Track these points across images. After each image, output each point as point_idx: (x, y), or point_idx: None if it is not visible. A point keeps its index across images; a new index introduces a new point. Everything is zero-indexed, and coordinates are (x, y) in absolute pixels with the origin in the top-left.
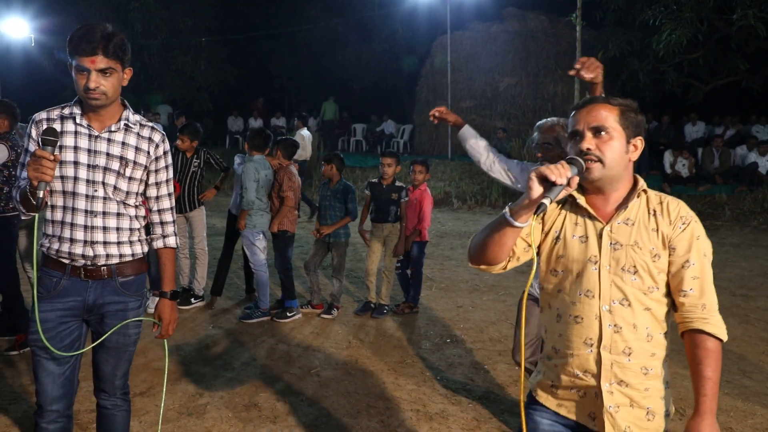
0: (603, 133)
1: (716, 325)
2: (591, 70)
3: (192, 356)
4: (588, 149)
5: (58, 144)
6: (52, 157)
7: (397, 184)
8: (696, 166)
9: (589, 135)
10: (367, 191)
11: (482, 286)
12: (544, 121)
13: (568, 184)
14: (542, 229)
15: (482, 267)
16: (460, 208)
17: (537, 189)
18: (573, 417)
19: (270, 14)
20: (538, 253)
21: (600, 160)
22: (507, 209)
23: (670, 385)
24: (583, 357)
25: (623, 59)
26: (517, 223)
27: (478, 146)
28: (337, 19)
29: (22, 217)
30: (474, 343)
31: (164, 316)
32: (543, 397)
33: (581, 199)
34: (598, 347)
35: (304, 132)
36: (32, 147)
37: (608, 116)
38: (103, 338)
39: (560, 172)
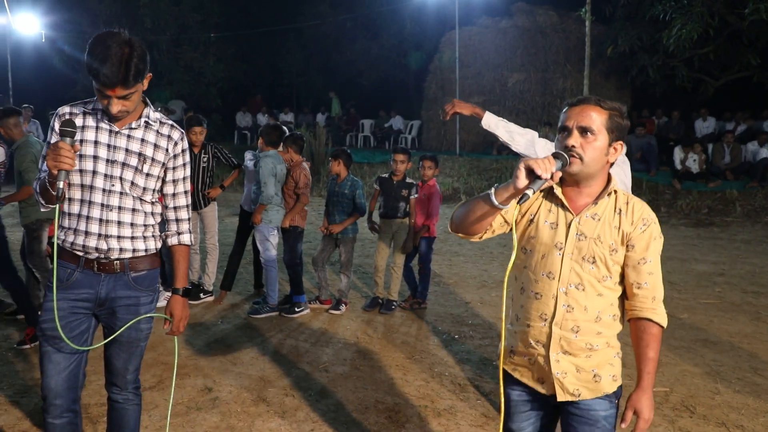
0: (589, 133)
1: (662, 315)
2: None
3: (201, 351)
4: (573, 146)
5: (78, 137)
6: (69, 147)
7: (408, 180)
8: (706, 162)
9: (576, 133)
10: (377, 186)
11: (490, 282)
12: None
13: (552, 177)
14: (520, 210)
15: (460, 235)
16: None
17: (523, 180)
18: (525, 381)
19: (278, 10)
20: (512, 230)
21: (581, 158)
22: (493, 190)
23: (619, 356)
24: (537, 329)
25: (633, 54)
26: (500, 205)
27: (511, 139)
28: (346, 14)
29: (42, 210)
30: (483, 339)
31: (176, 312)
32: (504, 363)
33: (558, 190)
34: (551, 323)
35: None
36: (55, 140)
37: (597, 118)
38: (116, 335)
39: (546, 167)
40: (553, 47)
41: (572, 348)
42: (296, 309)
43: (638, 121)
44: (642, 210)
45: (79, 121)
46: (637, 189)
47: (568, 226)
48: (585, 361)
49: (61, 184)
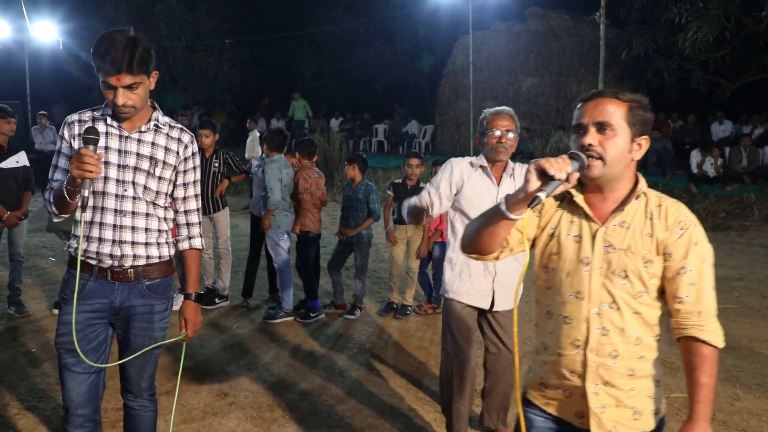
0: (607, 129)
1: (712, 332)
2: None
3: (216, 356)
4: (590, 145)
5: (102, 143)
6: (95, 155)
7: (421, 185)
8: (723, 166)
9: (593, 130)
10: (390, 192)
11: None
12: None
13: (567, 179)
14: (538, 223)
15: (474, 255)
16: None
17: (534, 182)
18: (560, 415)
19: (292, 15)
20: (533, 247)
21: (601, 158)
22: (503, 200)
23: (661, 383)
24: (569, 357)
25: (648, 58)
26: (512, 216)
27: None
28: (359, 19)
29: (54, 220)
30: None
31: (188, 318)
32: (533, 396)
33: (579, 198)
34: (585, 349)
35: (255, 133)
36: (65, 148)
37: (615, 112)
38: (127, 359)
39: (560, 167)
40: (567, 51)
41: (612, 377)
42: (311, 314)
43: (654, 124)
44: (678, 212)
45: (88, 125)
46: None
47: (594, 238)
48: (627, 395)
49: (86, 192)
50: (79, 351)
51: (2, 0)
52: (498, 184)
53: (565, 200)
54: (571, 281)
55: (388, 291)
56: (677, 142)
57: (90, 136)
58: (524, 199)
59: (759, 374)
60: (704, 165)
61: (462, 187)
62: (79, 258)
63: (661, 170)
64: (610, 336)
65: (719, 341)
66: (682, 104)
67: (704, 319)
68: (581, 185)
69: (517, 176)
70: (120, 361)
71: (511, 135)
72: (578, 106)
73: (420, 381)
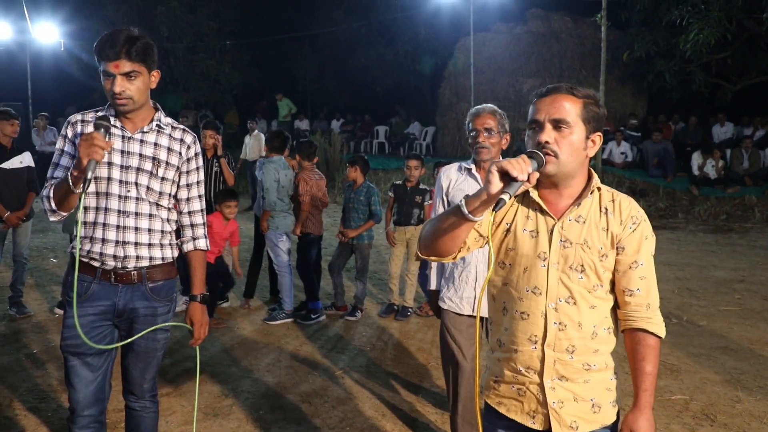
0: (563, 126)
1: (658, 324)
2: None
3: (217, 357)
4: (546, 142)
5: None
6: (102, 137)
7: (421, 186)
8: (725, 168)
9: (549, 127)
10: (391, 193)
11: None
12: None
13: (528, 179)
14: (494, 220)
15: (432, 258)
16: None
17: (497, 184)
18: (511, 415)
19: (293, 17)
20: (488, 243)
21: (556, 155)
22: (462, 202)
23: (618, 375)
24: (526, 353)
25: (649, 60)
26: (472, 217)
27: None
28: (360, 21)
29: (51, 219)
30: None
31: (195, 319)
32: (486, 395)
33: (534, 193)
34: (542, 344)
35: (260, 135)
36: (68, 147)
37: (571, 109)
38: (133, 338)
39: (521, 167)
40: (568, 53)
41: (568, 371)
42: (312, 315)
43: (655, 126)
44: (630, 207)
45: (89, 129)
46: (654, 195)
47: (551, 233)
48: (583, 387)
49: (89, 175)
50: (82, 335)
51: (4, 1)
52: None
53: (519, 196)
54: (528, 276)
55: (388, 293)
56: (678, 144)
57: (101, 122)
58: (487, 201)
59: (760, 376)
60: (705, 167)
61: (450, 191)
62: (78, 257)
63: (662, 172)
64: (567, 331)
65: (663, 332)
66: (683, 106)
67: (651, 311)
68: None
69: None
70: (127, 341)
71: (492, 133)
72: (534, 101)
73: (421, 383)
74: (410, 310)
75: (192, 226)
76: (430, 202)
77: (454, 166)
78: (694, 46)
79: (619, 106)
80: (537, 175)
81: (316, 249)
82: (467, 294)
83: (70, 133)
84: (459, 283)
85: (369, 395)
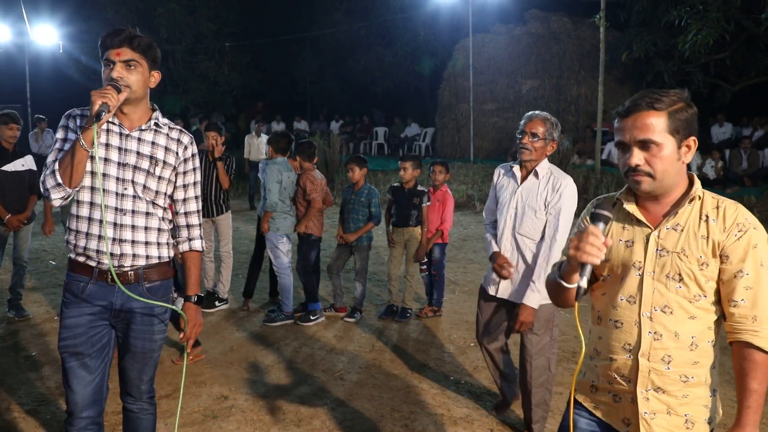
0: (651, 145)
1: (766, 339)
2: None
3: (216, 359)
4: (637, 165)
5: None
6: (118, 90)
7: (419, 188)
8: (724, 168)
9: (636, 149)
10: (389, 195)
11: None
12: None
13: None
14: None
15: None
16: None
17: (574, 269)
18: (607, 420)
19: (293, 19)
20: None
21: (650, 175)
22: (558, 273)
23: (717, 392)
24: (620, 362)
25: (648, 60)
26: (570, 285)
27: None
28: (360, 22)
29: (54, 197)
30: None
31: (189, 319)
32: (582, 398)
33: (630, 207)
34: (636, 353)
35: (263, 137)
36: (71, 135)
37: (656, 125)
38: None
39: (593, 252)
40: (567, 54)
41: (665, 383)
42: (311, 317)
43: None
44: (737, 213)
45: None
46: None
47: (647, 242)
48: (679, 402)
49: (103, 116)
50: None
51: (2, 3)
52: (520, 183)
53: (615, 207)
54: (623, 285)
55: (387, 294)
56: None
57: (116, 84)
58: (571, 273)
59: None
60: (704, 167)
61: (496, 185)
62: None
63: None
64: (662, 341)
65: None
66: None
67: (759, 324)
68: (633, 194)
69: (541, 175)
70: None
71: (536, 138)
72: (616, 120)
73: (420, 384)
74: (410, 311)
75: (188, 226)
76: (428, 203)
77: (506, 165)
78: (693, 47)
79: (617, 106)
80: (610, 241)
81: (316, 250)
82: (494, 275)
83: (71, 124)
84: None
85: (368, 397)
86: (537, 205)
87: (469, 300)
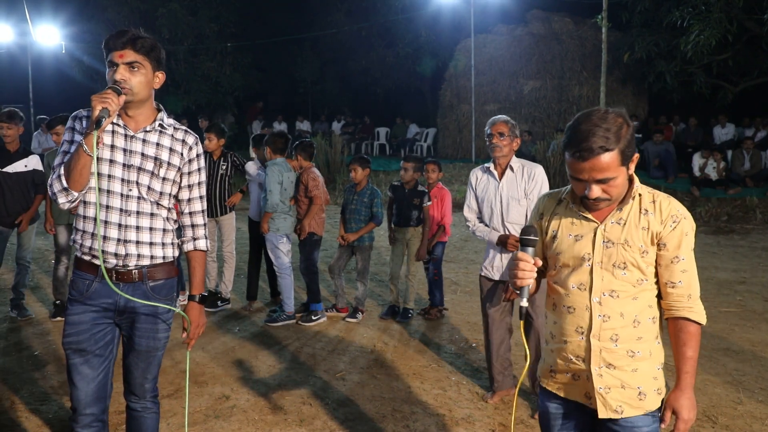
0: (609, 180)
1: (699, 313)
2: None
3: (218, 359)
4: (597, 198)
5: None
6: (115, 94)
7: (419, 188)
8: (726, 169)
9: (595, 187)
10: (390, 193)
11: None
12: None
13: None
14: (542, 234)
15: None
16: None
17: (514, 292)
18: (571, 398)
19: (294, 19)
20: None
21: (609, 200)
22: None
23: (663, 366)
24: (575, 343)
25: (650, 61)
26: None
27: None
28: (361, 23)
29: (61, 201)
30: None
31: (192, 319)
32: (545, 383)
33: (577, 207)
34: (588, 335)
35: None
36: (77, 137)
37: (611, 164)
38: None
39: (525, 275)
40: (569, 54)
41: (615, 359)
42: (313, 317)
43: (656, 128)
44: (670, 206)
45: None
46: None
47: (594, 235)
48: (631, 376)
49: (103, 122)
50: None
51: (5, 4)
52: (499, 179)
53: (561, 204)
54: (575, 274)
55: (389, 294)
56: (679, 145)
57: (116, 86)
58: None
59: (762, 378)
60: (706, 168)
61: (476, 187)
62: (79, 253)
63: (664, 173)
64: (610, 321)
65: (704, 319)
66: (684, 107)
67: (693, 301)
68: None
69: (515, 169)
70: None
71: (503, 137)
72: (570, 157)
73: (422, 384)
74: (411, 311)
75: (192, 226)
76: (429, 203)
77: (481, 167)
78: (695, 47)
79: (619, 107)
80: (540, 262)
81: (318, 249)
82: (497, 263)
83: (77, 126)
84: (493, 251)
85: (370, 397)
86: (519, 195)
87: (470, 300)
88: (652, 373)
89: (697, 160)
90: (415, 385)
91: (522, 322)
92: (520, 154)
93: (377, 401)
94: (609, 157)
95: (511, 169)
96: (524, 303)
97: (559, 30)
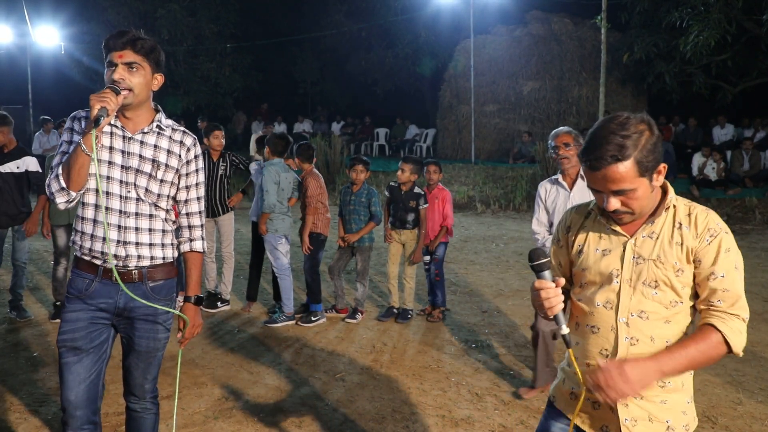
0: (627, 191)
1: (732, 329)
2: None
3: (218, 360)
4: (616, 210)
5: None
6: (114, 94)
7: (416, 191)
8: (725, 170)
9: (612, 198)
10: (387, 193)
11: (507, 291)
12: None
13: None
14: (568, 252)
15: None
16: (484, 212)
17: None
18: (585, 428)
19: (294, 20)
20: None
21: (630, 213)
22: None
23: (692, 399)
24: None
25: (649, 61)
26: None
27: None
28: (361, 24)
29: (60, 201)
30: (499, 348)
31: (189, 320)
32: (561, 404)
33: (605, 219)
34: (614, 359)
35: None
36: (75, 137)
37: (625, 175)
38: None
39: (553, 304)
40: (569, 55)
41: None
42: (312, 318)
43: None
44: (707, 220)
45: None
46: None
47: (623, 250)
48: (659, 408)
49: (102, 120)
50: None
51: (4, 5)
52: (570, 189)
53: (589, 218)
54: (601, 292)
55: (387, 295)
56: (679, 145)
57: (114, 86)
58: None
59: (762, 379)
60: (706, 168)
61: (546, 200)
62: (79, 253)
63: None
64: (639, 345)
65: (737, 341)
66: (683, 108)
67: (728, 316)
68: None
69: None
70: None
71: (569, 147)
72: (585, 166)
73: (422, 385)
74: (410, 312)
75: (189, 227)
76: (425, 205)
77: (549, 180)
78: (694, 48)
79: (619, 107)
80: (563, 281)
81: (323, 249)
82: None
83: (76, 126)
84: None
85: (369, 398)
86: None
87: (470, 301)
88: (681, 407)
89: (696, 161)
90: (415, 385)
91: (571, 351)
92: (520, 155)
93: (376, 402)
94: (622, 168)
95: (582, 178)
96: (564, 330)
97: (559, 31)
